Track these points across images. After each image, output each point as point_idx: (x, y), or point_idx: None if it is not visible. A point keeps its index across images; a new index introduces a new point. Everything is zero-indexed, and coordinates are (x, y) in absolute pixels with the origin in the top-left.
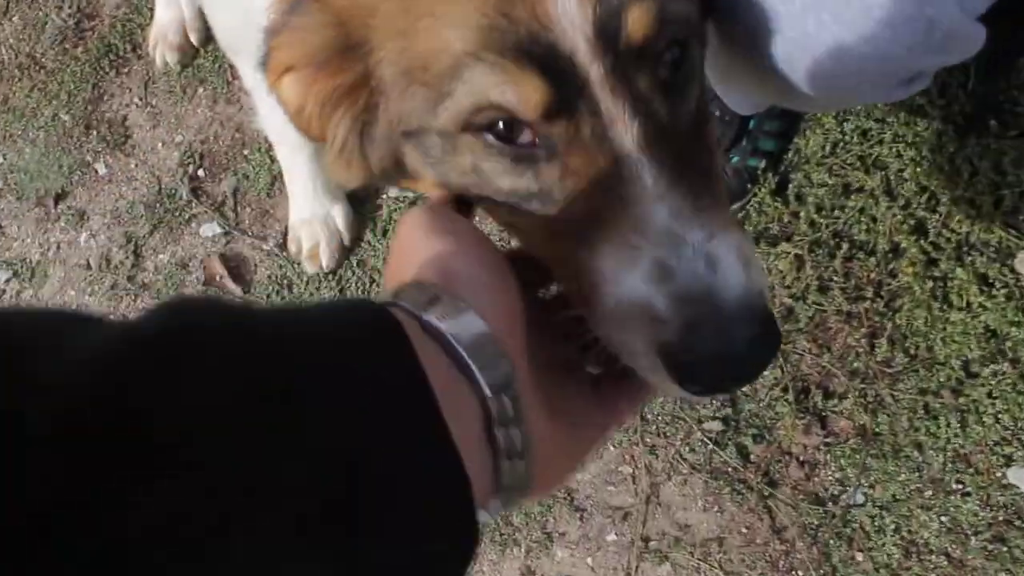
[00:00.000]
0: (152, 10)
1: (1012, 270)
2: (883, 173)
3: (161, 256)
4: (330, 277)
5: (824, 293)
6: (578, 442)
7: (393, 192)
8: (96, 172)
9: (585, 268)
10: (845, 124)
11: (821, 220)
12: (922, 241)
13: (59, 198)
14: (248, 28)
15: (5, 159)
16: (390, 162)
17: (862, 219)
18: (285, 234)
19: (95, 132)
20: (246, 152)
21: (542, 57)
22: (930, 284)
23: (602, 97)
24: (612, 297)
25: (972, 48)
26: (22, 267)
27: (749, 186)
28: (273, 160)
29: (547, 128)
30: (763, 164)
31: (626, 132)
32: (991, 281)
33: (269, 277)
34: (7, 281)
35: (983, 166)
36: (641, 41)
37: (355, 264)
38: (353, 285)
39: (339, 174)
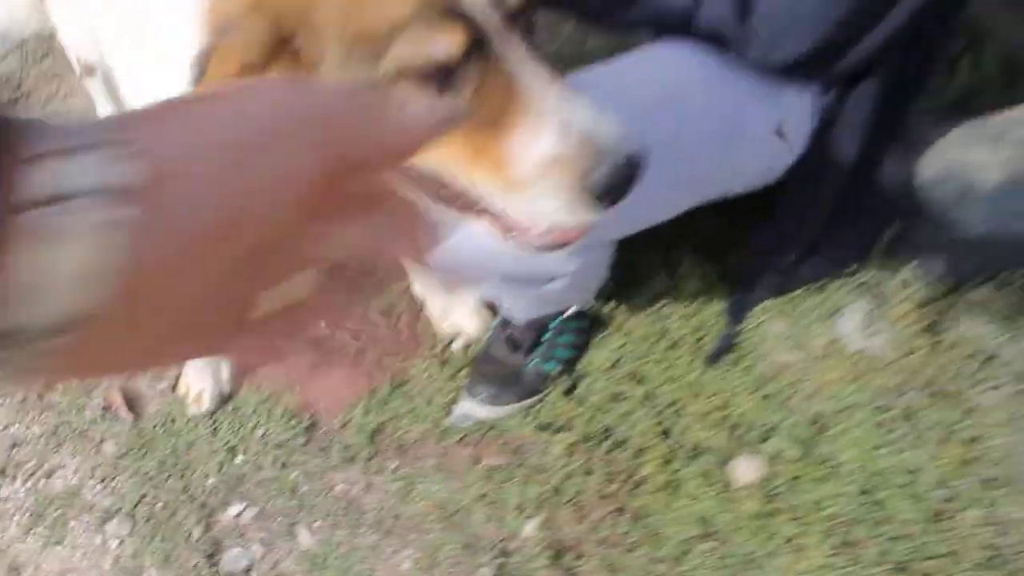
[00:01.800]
0: None
1: (723, 472)
2: (646, 387)
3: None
4: (207, 418)
5: (588, 475)
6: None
7: None
8: None
9: (500, 152)
10: (625, 346)
11: (596, 418)
12: (666, 441)
13: None
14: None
15: None
16: None
17: (626, 420)
18: (178, 377)
19: None
20: None
21: (459, 17)
22: (665, 476)
23: (499, 39)
24: (531, 158)
25: None
26: None
27: (542, 387)
28: None
29: (466, 63)
30: (559, 368)
31: (518, 57)
32: (712, 480)
33: (157, 412)
34: None
35: (716, 390)
36: (517, 6)
37: (230, 408)
38: (225, 427)
39: None
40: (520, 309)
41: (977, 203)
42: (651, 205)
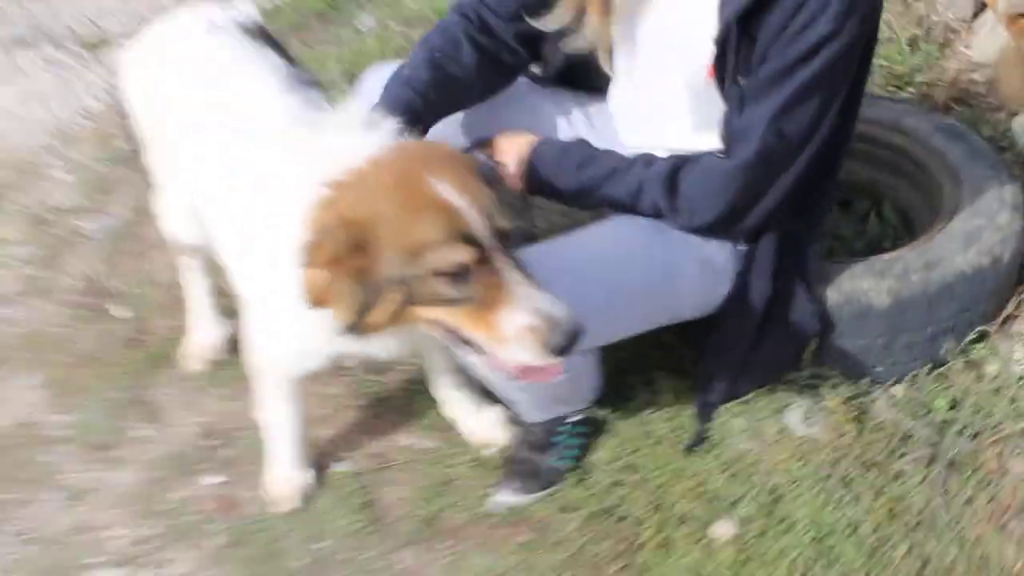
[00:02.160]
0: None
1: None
2: (639, 474)
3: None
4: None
5: (601, 541)
6: None
7: None
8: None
9: (493, 321)
10: (620, 445)
11: (603, 499)
12: (659, 513)
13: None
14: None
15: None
16: (367, 301)
17: (626, 500)
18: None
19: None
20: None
21: (471, 240)
22: (661, 538)
23: (495, 254)
24: (511, 325)
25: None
26: None
27: (558, 479)
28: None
29: (475, 266)
30: (570, 464)
31: (506, 264)
32: (697, 539)
33: (253, 511)
34: None
35: (694, 472)
36: (507, 227)
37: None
38: (310, 520)
39: (340, 313)
40: (532, 408)
41: (872, 322)
42: (615, 327)
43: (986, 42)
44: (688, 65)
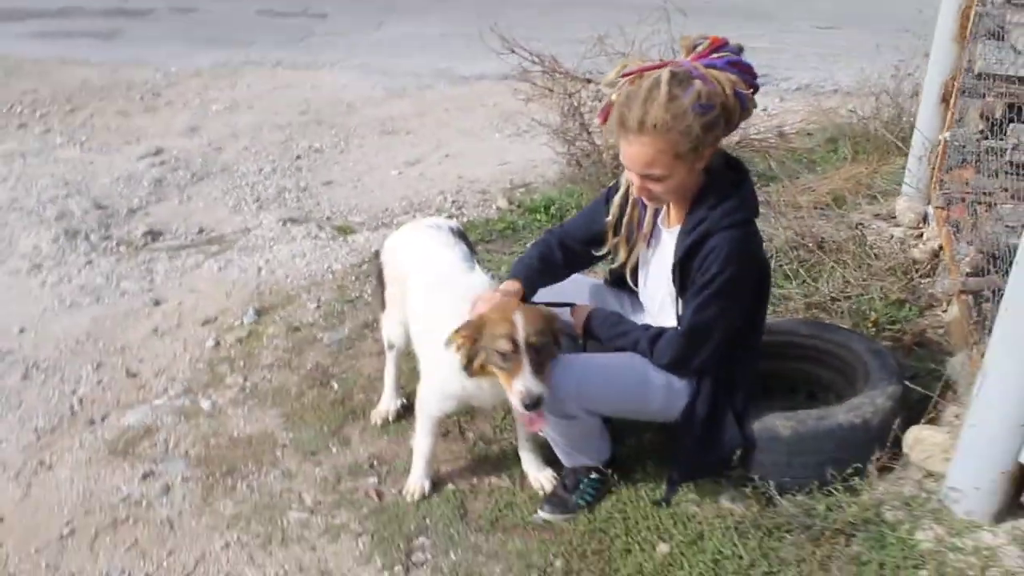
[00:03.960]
0: (379, 397)
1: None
2: (624, 513)
3: (349, 484)
4: (418, 502)
5: (588, 543)
6: None
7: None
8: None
9: (511, 382)
10: (617, 498)
11: (599, 522)
12: (630, 535)
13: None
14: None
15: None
16: (473, 356)
17: (612, 524)
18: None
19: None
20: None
21: (515, 342)
22: (625, 545)
23: (523, 352)
24: (514, 387)
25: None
26: None
27: (577, 509)
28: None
29: (511, 354)
30: (585, 503)
31: (525, 359)
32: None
33: (392, 499)
34: None
35: (662, 517)
36: (535, 342)
37: (431, 497)
38: (437, 505)
39: (462, 358)
40: (563, 454)
41: (778, 445)
42: (605, 398)
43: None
44: (667, 286)
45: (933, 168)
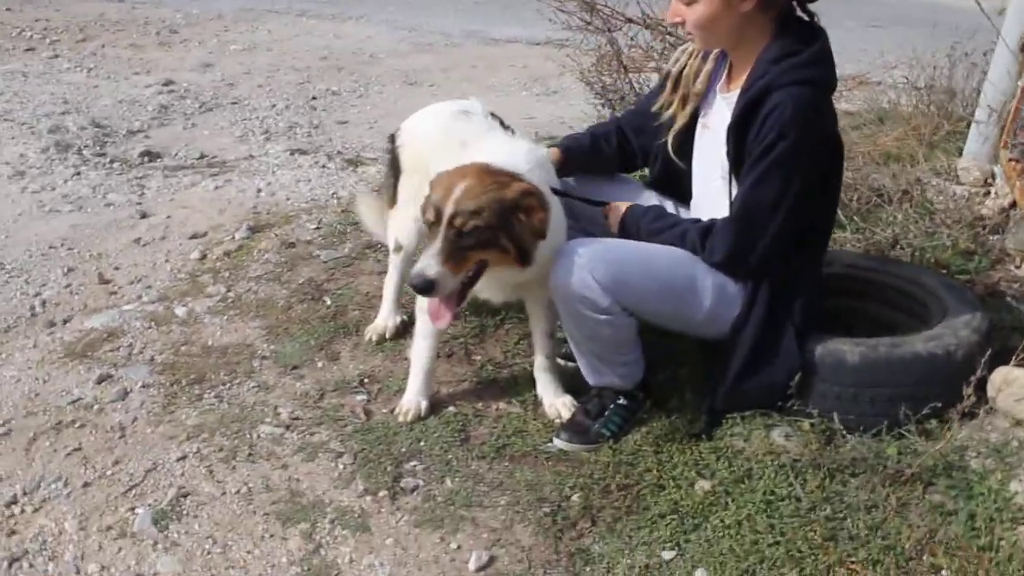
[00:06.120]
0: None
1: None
2: (656, 446)
3: (335, 400)
4: (411, 424)
5: (612, 477)
6: None
7: None
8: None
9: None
10: (648, 430)
11: (624, 454)
12: (662, 469)
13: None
14: None
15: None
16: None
17: (640, 458)
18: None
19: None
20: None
21: (439, 212)
22: (656, 480)
23: (445, 226)
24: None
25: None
26: None
27: (598, 440)
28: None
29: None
30: (609, 434)
31: (440, 235)
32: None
33: (380, 419)
34: None
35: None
36: (459, 224)
37: (426, 422)
38: (418, 430)
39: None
40: (588, 370)
41: (844, 374)
42: (641, 295)
43: None
44: (720, 168)
45: (1003, 125)
